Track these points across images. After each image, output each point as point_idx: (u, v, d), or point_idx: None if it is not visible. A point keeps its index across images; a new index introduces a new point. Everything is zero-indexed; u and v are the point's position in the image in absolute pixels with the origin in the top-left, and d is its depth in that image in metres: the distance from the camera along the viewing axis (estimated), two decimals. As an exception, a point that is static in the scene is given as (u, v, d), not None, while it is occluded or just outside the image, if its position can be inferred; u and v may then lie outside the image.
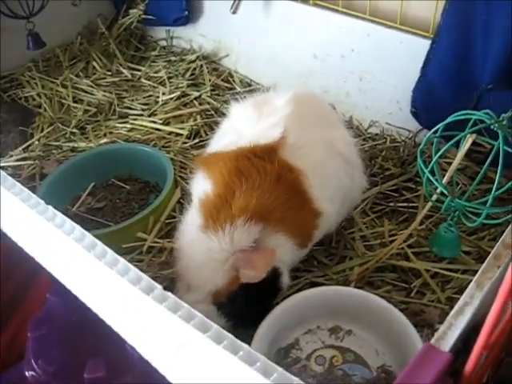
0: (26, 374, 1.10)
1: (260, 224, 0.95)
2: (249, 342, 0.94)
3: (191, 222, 1.01)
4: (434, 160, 0.97)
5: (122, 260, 0.80)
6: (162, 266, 1.16)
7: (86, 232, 0.85)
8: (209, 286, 0.95)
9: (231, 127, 1.13)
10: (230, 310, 0.97)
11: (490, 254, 0.79)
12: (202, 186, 1.02)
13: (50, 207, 0.90)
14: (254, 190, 0.96)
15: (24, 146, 1.61)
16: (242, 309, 0.98)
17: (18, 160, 1.55)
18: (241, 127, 1.09)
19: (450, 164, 1.36)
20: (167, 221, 1.29)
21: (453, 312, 0.71)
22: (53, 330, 1.12)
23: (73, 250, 0.85)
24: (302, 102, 1.11)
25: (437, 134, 1.00)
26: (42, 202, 0.91)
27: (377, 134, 1.56)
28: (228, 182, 0.98)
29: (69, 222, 0.87)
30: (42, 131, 1.67)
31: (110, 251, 0.81)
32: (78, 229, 0.85)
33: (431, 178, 0.97)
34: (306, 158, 1.03)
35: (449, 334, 0.67)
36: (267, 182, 0.97)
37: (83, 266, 0.85)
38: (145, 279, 0.77)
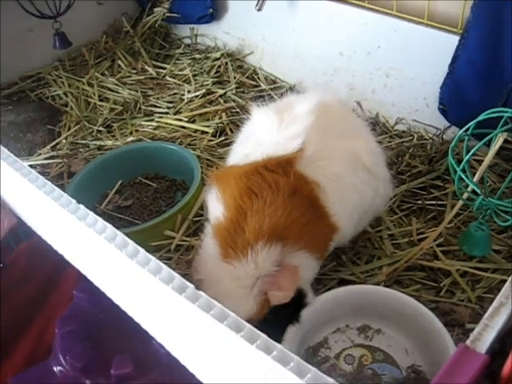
0: (54, 369, 1.11)
1: (279, 243, 0.92)
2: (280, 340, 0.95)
3: (210, 250, 0.97)
4: (466, 158, 0.96)
5: (153, 259, 0.80)
6: (189, 264, 1.16)
7: (117, 231, 0.85)
8: (241, 314, 0.94)
9: (251, 133, 1.11)
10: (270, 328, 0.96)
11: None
12: (215, 208, 1.00)
13: (81, 206, 0.91)
14: (265, 208, 0.93)
15: (52, 145, 1.63)
16: (271, 330, 0.97)
17: (46, 158, 1.57)
18: (260, 134, 1.06)
19: (478, 161, 1.36)
20: (195, 219, 1.29)
21: (488, 313, 0.70)
22: (80, 327, 1.13)
23: (104, 249, 0.85)
24: (325, 110, 1.07)
25: (468, 132, 0.99)
26: (74, 200, 0.92)
27: (404, 132, 1.55)
28: (239, 204, 0.95)
29: (100, 221, 0.87)
30: (68, 130, 1.69)
31: (142, 250, 0.82)
32: (110, 228, 0.86)
33: (463, 177, 0.96)
34: (324, 171, 1.01)
35: (484, 336, 0.66)
36: (280, 197, 0.95)
37: (115, 264, 0.85)
38: (177, 278, 0.77)
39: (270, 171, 0.97)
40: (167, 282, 0.77)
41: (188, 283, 0.76)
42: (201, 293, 0.75)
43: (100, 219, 0.88)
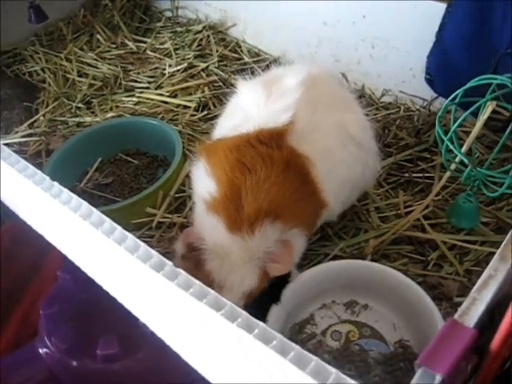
0: (40, 351, 1.10)
1: (279, 220, 0.92)
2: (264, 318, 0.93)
3: (209, 224, 0.94)
4: (452, 128, 0.93)
5: (130, 236, 0.77)
6: (172, 242, 1.14)
7: (93, 208, 0.82)
8: (245, 287, 0.93)
9: (238, 107, 1.08)
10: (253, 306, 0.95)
11: (515, 225, 0.75)
12: (205, 182, 0.97)
13: (55, 183, 0.88)
14: (260, 184, 0.92)
15: (29, 122, 1.58)
16: (255, 309, 0.96)
17: (23, 136, 1.53)
18: (248, 108, 1.03)
19: (466, 133, 1.33)
20: (176, 195, 1.26)
21: (476, 286, 0.68)
22: (65, 308, 1.12)
23: (80, 227, 0.82)
24: (314, 83, 1.04)
25: (456, 101, 0.96)
26: (48, 178, 0.89)
27: (390, 103, 1.52)
28: (231, 179, 0.93)
29: (75, 199, 0.84)
30: (46, 106, 1.64)
31: (118, 228, 0.79)
32: (85, 205, 0.83)
33: (451, 147, 0.94)
34: (315, 145, 0.98)
35: (473, 310, 0.64)
36: (274, 172, 0.93)
37: (91, 243, 0.82)
38: (155, 256, 0.75)
39: (263, 144, 0.95)
40: (145, 259, 0.74)
41: (167, 261, 0.74)
42: (180, 270, 0.72)
43: (75, 196, 0.85)
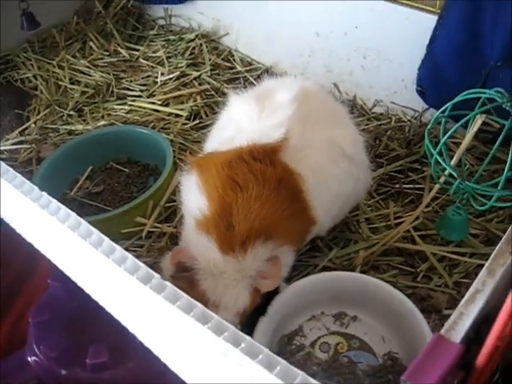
0: (29, 359, 1.09)
1: (270, 241, 0.92)
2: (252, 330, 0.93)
3: (201, 242, 0.93)
4: (442, 141, 0.94)
5: (118, 248, 0.77)
6: (161, 252, 1.13)
7: (81, 219, 0.82)
8: (239, 306, 0.92)
9: (231, 120, 1.08)
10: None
11: (502, 240, 0.75)
12: (195, 198, 0.96)
13: (44, 194, 0.87)
14: (252, 202, 0.91)
15: (20, 130, 1.58)
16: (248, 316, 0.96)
17: (14, 144, 1.52)
18: (241, 122, 1.03)
19: (456, 144, 1.34)
20: (167, 205, 1.26)
21: (463, 300, 0.68)
22: (55, 316, 1.12)
23: (68, 238, 0.82)
24: (306, 98, 1.04)
25: (445, 114, 0.97)
26: (36, 188, 0.88)
27: (381, 114, 1.52)
28: (223, 197, 0.92)
29: (64, 209, 0.84)
30: (38, 114, 1.64)
31: (106, 239, 0.79)
32: (74, 216, 0.83)
33: (440, 160, 0.94)
34: (306, 161, 0.98)
35: (460, 324, 0.65)
36: (267, 189, 0.92)
37: (80, 254, 0.82)
38: (142, 268, 0.74)
39: (257, 160, 0.94)
40: (132, 271, 0.74)
41: (154, 273, 0.74)
42: (167, 283, 0.72)
43: (63, 207, 0.84)
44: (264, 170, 0.93)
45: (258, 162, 0.94)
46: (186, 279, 0.90)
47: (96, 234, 0.80)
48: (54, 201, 0.86)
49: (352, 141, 1.07)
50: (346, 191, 1.06)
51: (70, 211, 0.84)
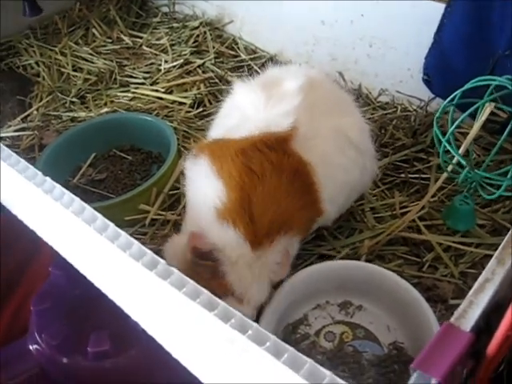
0: (30, 347, 1.09)
1: (288, 232, 0.92)
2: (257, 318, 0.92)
3: (225, 232, 0.90)
4: (451, 129, 0.93)
5: (123, 234, 0.76)
6: (165, 239, 1.12)
7: (85, 205, 0.81)
8: (262, 299, 0.92)
9: (235, 108, 1.06)
10: None
11: (511, 229, 0.74)
12: (211, 185, 0.92)
13: (48, 179, 0.87)
14: (272, 192, 0.90)
15: (22, 116, 1.56)
16: None
17: (16, 130, 1.50)
18: (246, 110, 1.01)
19: (462, 134, 1.33)
20: (170, 192, 1.25)
21: (473, 289, 0.67)
22: (56, 304, 1.12)
23: (72, 224, 0.81)
24: (312, 87, 1.03)
25: (454, 102, 0.95)
26: (40, 173, 0.87)
27: (387, 103, 1.51)
28: (241, 185, 0.90)
29: (68, 195, 0.83)
30: (40, 101, 1.62)
31: (111, 225, 0.78)
32: (78, 201, 0.82)
33: (449, 148, 0.93)
34: (315, 150, 0.97)
35: (470, 313, 0.64)
36: (284, 179, 0.92)
37: (83, 239, 0.81)
38: (148, 254, 0.74)
39: (271, 149, 0.93)
40: (137, 257, 0.73)
41: (160, 259, 0.73)
42: (173, 269, 0.71)
43: (67, 192, 0.84)
44: (280, 160, 0.92)
45: (272, 151, 0.92)
46: (207, 268, 0.89)
47: (101, 219, 0.79)
48: (58, 186, 0.85)
49: (359, 129, 1.06)
50: (353, 180, 1.06)
51: (74, 196, 0.83)
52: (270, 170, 0.91)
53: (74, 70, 1.73)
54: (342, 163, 1.02)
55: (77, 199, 0.82)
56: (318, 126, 0.99)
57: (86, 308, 1.11)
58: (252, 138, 0.94)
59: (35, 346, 1.08)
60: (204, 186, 0.94)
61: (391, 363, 0.92)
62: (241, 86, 1.07)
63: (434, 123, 0.96)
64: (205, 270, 0.89)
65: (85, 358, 1.02)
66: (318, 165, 0.96)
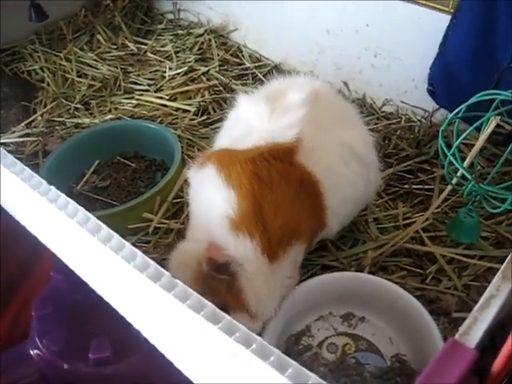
0: (31, 352, 1.09)
1: (296, 245, 0.92)
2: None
3: (243, 244, 0.87)
4: (456, 143, 0.93)
5: (128, 245, 0.76)
6: (168, 248, 1.12)
7: (90, 215, 0.81)
8: (272, 314, 0.92)
9: (240, 120, 1.05)
10: None
11: (517, 244, 0.74)
12: (222, 193, 0.90)
13: (52, 188, 0.87)
14: (284, 203, 0.90)
15: (26, 122, 1.56)
16: None
17: (20, 136, 1.50)
18: (251, 122, 1.00)
19: (466, 145, 1.33)
20: (174, 200, 1.25)
21: (478, 305, 0.67)
22: (57, 309, 1.11)
23: (76, 233, 0.81)
24: (317, 99, 1.02)
25: (459, 115, 0.95)
26: (45, 182, 0.87)
27: (391, 113, 1.51)
28: (254, 194, 0.89)
29: (72, 204, 0.83)
30: (45, 106, 1.63)
31: (115, 235, 0.78)
32: (82, 211, 0.82)
33: (454, 162, 0.93)
34: (320, 163, 0.96)
35: (474, 329, 0.63)
36: (293, 190, 0.91)
37: (87, 249, 0.81)
38: (152, 266, 0.74)
39: (278, 160, 0.92)
40: (142, 269, 0.73)
41: (164, 271, 0.73)
42: (177, 281, 0.71)
43: (72, 202, 0.84)
44: (287, 170, 0.92)
45: (279, 162, 0.92)
46: (223, 282, 0.87)
47: (105, 229, 0.79)
48: (63, 195, 0.85)
49: (363, 142, 1.05)
50: (356, 193, 1.05)
51: (78, 206, 0.83)
52: (279, 180, 0.91)
53: (79, 76, 1.74)
54: (347, 176, 1.01)
55: (81, 209, 0.82)
56: (322, 139, 0.98)
57: (87, 314, 1.11)
58: (259, 149, 0.94)
59: (36, 351, 1.08)
60: (213, 195, 0.92)
61: (393, 376, 0.92)
62: (245, 98, 1.06)
63: (440, 136, 0.96)
64: (220, 283, 0.87)
65: (86, 364, 1.02)
66: (322, 177, 0.96)
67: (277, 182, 0.91)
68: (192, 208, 1.00)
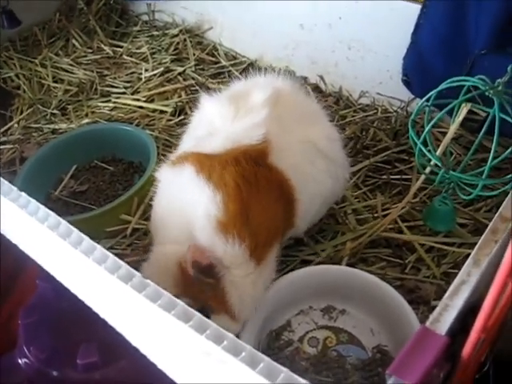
0: (19, 361, 1.07)
1: (275, 246, 0.93)
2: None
3: (230, 247, 0.86)
4: (425, 130, 0.93)
5: (99, 247, 0.76)
6: (146, 249, 1.12)
7: (61, 219, 0.81)
8: (252, 313, 0.92)
9: (204, 121, 1.03)
10: None
11: (487, 229, 0.74)
12: (206, 196, 0.88)
13: (23, 194, 0.86)
14: (266, 206, 0.90)
15: (3, 130, 1.56)
16: None
17: (-4, 144, 1.50)
18: (215, 123, 0.99)
19: (443, 133, 1.33)
20: (151, 202, 1.24)
21: (449, 292, 0.67)
22: (44, 316, 1.10)
23: (48, 238, 0.81)
24: (281, 99, 1.02)
25: (429, 103, 0.95)
26: (15, 188, 0.87)
27: (368, 105, 1.51)
28: (239, 197, 0.88)
29: (43, 209, 0.82)
30: (21, 113, 1.62)
31: (86, 238, 0.77)
32: (53, 216, 0.81)
33: (424, 150, 0.93)
34: (288, 163, 0.96)
35: (445, 316, 0.64)
36: (273, 191, 0.92)
37: (60, 253, 0.81)
38: (123, 267, 0.73)
39: (255, 162, 0.92)
40: (113, 271, 0.73)
41: (135, 272, 0.72)
42: (148, 281, 0.71)
43: (42, 207, 0.83)
44: (266, 173, 0.92)
45: (257, 164, 0.92)
46: (208, 286, 0.86)
47: (76, 233, 0.78)
48: (33, 201, 0.84)
49: (327, 138, 1.05)
50: (324, 192, 1.05)
51: (49, 211, 0.82)
52: (263, 182, 0.91)
53: (55, 82, 1.73)
54: (313, 174, 1.01)
55: (52, 214, 0.81)
56: (287, 138, 0.98)
57: (74, 320, 1.10)
58: (232, 152, 0.93)
59: (24, 360, 1.06)
60: (195, 196, 0.90)
61: (375, 367, 0.92)
62: (208, 99, 1.05)
63: (409, 125, 0.96)
64: (203, 286, 0.86)
65: (74, 370, 1.01)
66: (290, 177, 0.96)
67: (262, 185, 0.91)
68: (161, 209, 0.97)
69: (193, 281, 0.86)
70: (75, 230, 0.79)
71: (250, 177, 0.90)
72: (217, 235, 0.86)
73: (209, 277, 0.85)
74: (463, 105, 0.97)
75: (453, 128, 0.99)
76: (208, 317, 0.82)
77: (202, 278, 0.85)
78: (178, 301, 0.67)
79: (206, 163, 0.92)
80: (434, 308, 0.96)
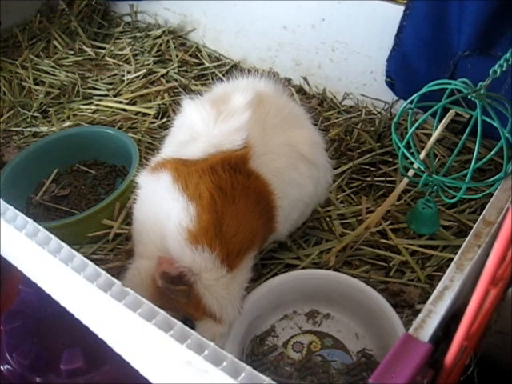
0: (1, 368, 1.06)
1: (252, 251, 0.93)
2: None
3: (196, 255, 0.86)
4: (409, 133, 0.92)
5: (78, 255, 0.75)
6: (129, 254, 1.10)
7: (39, 227, 0.79)
8: (236, 315, 0.92)
9: (186, 126, 1.02)
10: None
11: (470, 233, 0.74)
12: (179, 204, 0.88)
13: (1, 200, 0.84)
14: (240, 213, 0.89)
15: (-17, 134, 1.53)
16: None
17: (-24, 148, 1.47)
18: (197, 127, 0.98)
19: (427, 135, 1.33)
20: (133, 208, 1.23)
21: (432, 297, 0.67)
22: (27, 322, 1.09)
23: (27, 246, 0.79)
24: (262, 102, 1.01)
25: (412, 105, 0.95)
26: (-9, 196, 0.85)
27: (351, 107, 1.51)
28: (213, 206, 0.87)
29: (21, 217, 0.81)
30: (1, 116, 1.59)
31: (65, 246, 0.76)
32: (31, 223, 0.80)
33: (406, 153, 0.92)
34: (269, 167, 0.96)
35: (428, 323, 0.63)
36: (250, 200, 0.91)
37: (39, 261, 0.79)
38: (103, 275, 0.72)
39: (235, 169, 0.91)
40: (92, 279, 0.71)
41: (115, 280, 0.71)
42: (128, 290, 0.70)
43: (20, 214, 0.82)
44: (244, 181, 0.91)
45: (236, 172, 0.91)
46: (181, 293, 0.86)
47: (54, 240, 0.77)
48: (11, 208, 0.83)
49: (309, 142, 1.04)
50: (306, 196, 1.04)
51: (27, 218, 0.81)
52: (239, 192, 0.90)
53: (36, 84, 1.70)
54: (295, 178, 1.00)
55: (30, 221, 0.80)
56: (268, 142, 0.97)
57: (57, 325, 1.09)
58: (214, 157, 0.92)
59: (6, 367, 1.05)
60: (169, 206, 0.90)
61: (360, 371, 0.91)
62: (189, 103, 1.03)
63: (392, 128, 0.95)
64: (179, 294, 0.86)
65: (58, 376, 1.00)
66: (271, 182, 0.95)
67: (238, 194, 0.90)
68: (141, 216, 0.96)
69: (169, 292, 0.86)
70: (54, 238, 0.77)
71: (225, 187, 0.89)
72: (187, 246, 0.86)
73: (180, 284, 0.85)
74: (450, 111, 0.96)
75: (436, 133, 0.99)
76: (193, 327, 0.83)
77: (172, 287, 0.85)
78: (159, 310, 0.67)
79: (183, 171, 0.91)
80: (418, 312, 0.97)
